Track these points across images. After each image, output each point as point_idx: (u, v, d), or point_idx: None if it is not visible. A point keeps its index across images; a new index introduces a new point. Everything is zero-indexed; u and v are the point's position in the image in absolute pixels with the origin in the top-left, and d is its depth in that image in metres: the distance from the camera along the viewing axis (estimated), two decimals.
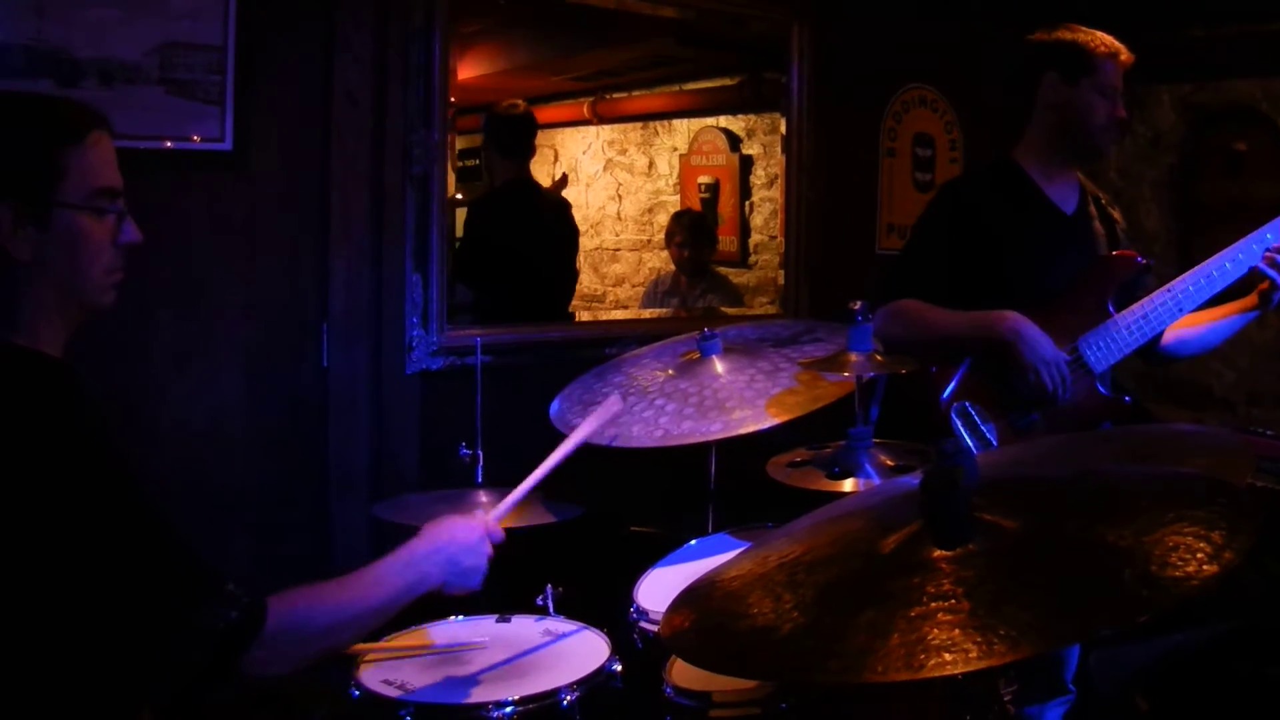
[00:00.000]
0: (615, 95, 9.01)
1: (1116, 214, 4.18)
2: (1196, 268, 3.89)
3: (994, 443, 3.79)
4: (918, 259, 4.09)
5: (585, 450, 3.52)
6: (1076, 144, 3.99)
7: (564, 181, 8.85)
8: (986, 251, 3.92)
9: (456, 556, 2.71)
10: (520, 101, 6.13)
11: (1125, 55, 3.94)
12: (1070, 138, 3.98)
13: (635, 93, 8.97)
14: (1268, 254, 3.83)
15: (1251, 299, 3.92)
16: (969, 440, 3.79)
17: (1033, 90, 4.04)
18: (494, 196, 6.03)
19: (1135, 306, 3.87)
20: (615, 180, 9.31)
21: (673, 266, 7.30)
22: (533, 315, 5.49)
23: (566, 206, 6.37)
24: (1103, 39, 3.94)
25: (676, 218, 7.54)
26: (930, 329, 3.88)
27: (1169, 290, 3.86)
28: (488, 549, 2.80)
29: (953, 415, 3.81)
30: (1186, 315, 4.02)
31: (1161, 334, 4.05)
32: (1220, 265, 3.87)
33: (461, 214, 5.94)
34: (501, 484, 3.74)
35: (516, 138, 6.00)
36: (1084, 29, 3.97)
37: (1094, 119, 3.92)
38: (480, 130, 6.01)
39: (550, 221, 6.11)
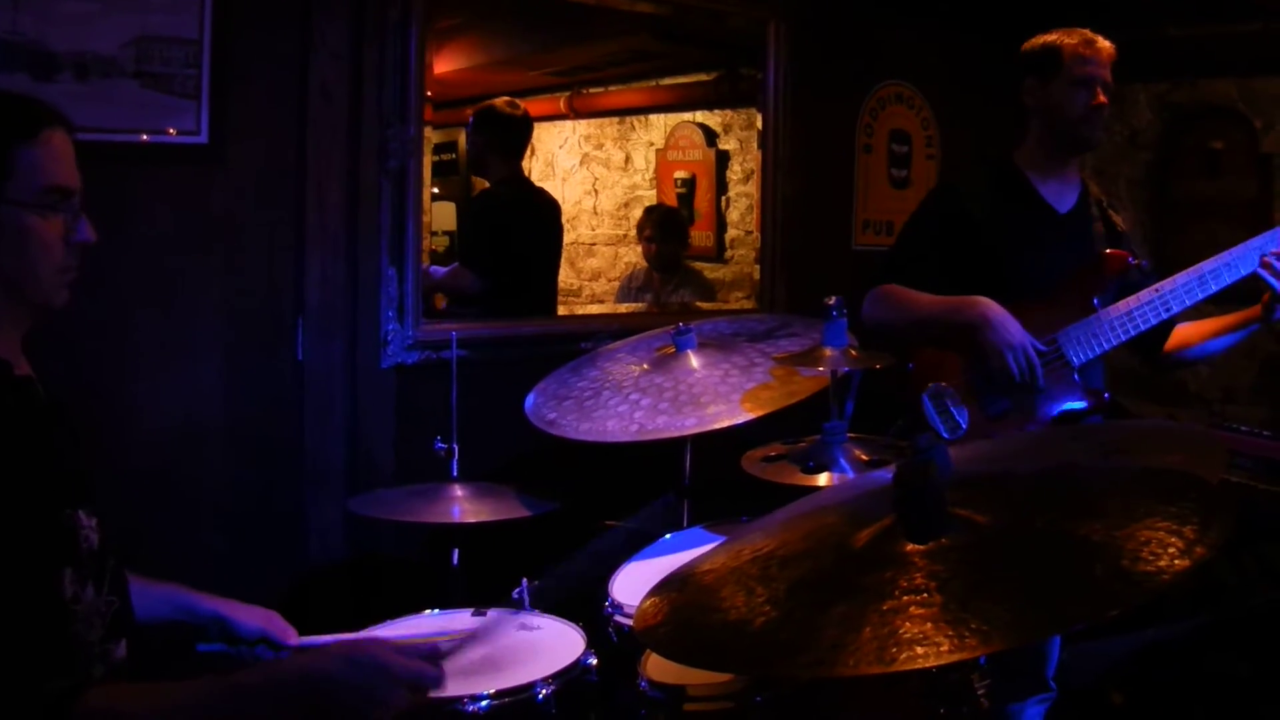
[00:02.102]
0: (592, 90, 9.00)
1: (1118, 217, 4.20)
2: (1189, 270, 3.89)
3: (964, 426, 3.81)
4: (909, 249, 4.15)
5: (560, 444, 3.53)
6: (1062, 139, 4.03)
7: None
8: (978, 246, 3.97)
9: (371, 665, 2.22)
10: (519, 102, 6.14)
11: (1101, 43, 3.98)
12: (1056, 134, 4.03)
13: (612, 88, 8.96)
14: (1264, 259, 3.82)
15: (1255, 310, 3.93)
16: (939, 424, 3.81)
17: (1021, 97, 4.09)
18: (492, 192, 6.06)
19: (1120, 304, 3.89)
20: (592, 175, 9.30)
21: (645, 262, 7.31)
22: (528, 310, 5.50)
23: (557, 206, 6.37)
24: (1077, 32, 4.00)
25: (647, 213, 7.55)
26: (909, 312, 3.94)
27: (1157, 290, 3.87)
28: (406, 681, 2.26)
29: (925, 399, 3.84)
30: (1189, 323, 4.06)
31: (1163, 338, 4.08)
32: (1215, 270, 3.87)
33: (440, 208, 5.93)
34: (477, 478, 3.76)
35: (517, 138, 6.02)
36: (1061, 30, 4.02)
37: (1071, 110, 3.97)
38: (473, 126, 5.99)
39: (545, 219, 6.12)
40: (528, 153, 9.20)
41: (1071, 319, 3.91)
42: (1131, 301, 3.88)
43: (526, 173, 9.09)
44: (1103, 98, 3.95)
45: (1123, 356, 4.01)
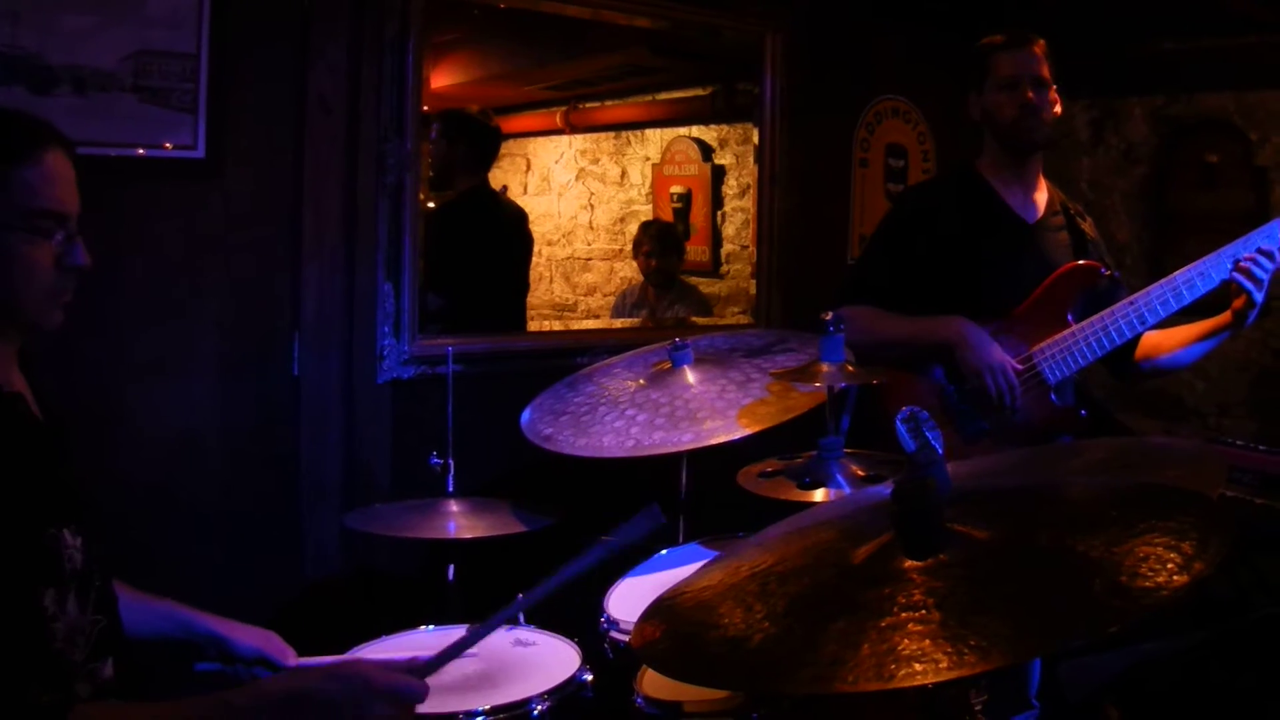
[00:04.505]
0: (588, 104, 9.02)
1: (1087, 226, 4.16)
2: (1163, 280, 3.87)
3: (939, 450, 3.79)
4: (872, 264, 4.14)
5: (556, 460, 3.52)
6: (1006, 144, 4.04)
7: (503, 191, 8.81)
8: (944, 257, 3.95)
9: (354, 679, 2.23)
10: (489, 111, 6.12)
11: (1026, 39, 3.99)
12: (1000, 141, 4.05)
13: (608, 102, 8.98)
14: (1240, 264, 3.80)
15: (1225, 317, 3.89)
16: (914, 447, 3.80)
17: (968, 113, 4.11)
18: (458, 204, 6.00)
19: (1095, 318, 3.87)
20: (588, 189, 9.32)
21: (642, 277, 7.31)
22: (494, 324, 5.48)
23: (524, 216, 6.35)
24: (999, 34, 4.00)
25: (644, 228, 7.55)
26: (879, 335, 3.92)
27: (1131, 303, 3.85)
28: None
29: (898, 422, 3.83)
30: (1159, 332, 4.02)
31: (1132, 348, 4.05)
32: (1189, 280, 3.84)
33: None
34: (472, 493, 3.75)
35: (489, 149, 6.00)
36: (988, 36, 4.03)
37: (1004, 115, 3.97)
38: (441, 132, 5.93)
39: (511, 231, 6.10)
40: (525, 167, 9.23)
41: (1045, 333, 3.90)
42: (1106, 315, 3.86)
43: (522, 187, 9.14)
44: (1030, 94, 3.93)
45: (1098, 369, 4.00)
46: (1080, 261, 3.99)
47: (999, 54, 3.97)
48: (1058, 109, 4.00)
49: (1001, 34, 4.00)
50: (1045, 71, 3.95)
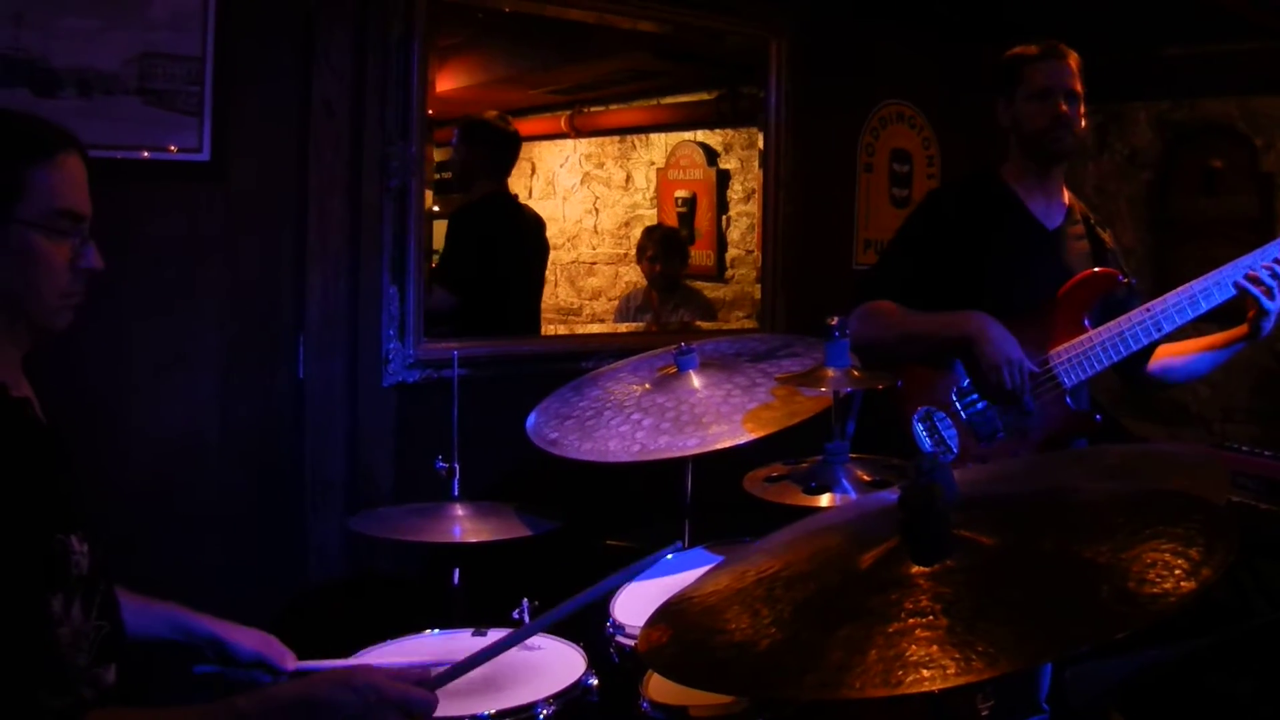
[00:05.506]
0: (593, 109, 9.00)
1: (1107, 235, 4.18)
2: (1180, 289, 3.87)
3: (955, 450, 3.80)
4: (894, 263, 4.13)
5: (562, 464, 3.51)
6: (1033, 153, 4.04)
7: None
8: (965, 260, 3.95)
9: (366, 689, 2.23)
10: (507, 116, 6.12)
11: (1060, 50, 3.99)
12: (1026, 149, 4.04)
13: (613, 106, 8.97)
14: (1250, 273, 3.80)
15: (1242, 328, 3.90)
16: (930, 446, 3.81)
17: (997, 120, 4.10)
18: (478, 207, 5.98)
19: (1112, 324, 3.87)
20: (592, 194, 9.30)
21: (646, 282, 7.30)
22: (509, 328, 5.47)
23: (543, 223, 6.34)
24: (1033, 45, 4.00)
25: (648, 232, 7.53)
26: (900, 329, 3.92)
27: (1148, 310, 3.85)
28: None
29: (915, 421, 3.82)
30: (1174, 342, 4.03)
31: (1146, 357, 4.06)
32: (1206, 289, 3.84)
33: (439, 226, 5.90)
34: (477, 497, 3.74)
35: (508, 154, 5.99)
36: (1022, 45, 4.03)
37: (1034, 125, 3.97)
38: (461, 138, 5.96)
39: (529, 236, 6.10)
40: (529, 171, 9.22)
41: (1062, 338, 3.90)
42: (1123, 321, 3.87)
43: (527, 191, 9.12)
44: (1064, 107, 3.93)
45: (1107, 375, 4.00)
46: (1098, 269, 3.99)
47: (1033, 64, 3.97)
48: (1084, 122, 4.01)
49: (1035, 44, 4.00)
50: (1077, 85, 3.95)
